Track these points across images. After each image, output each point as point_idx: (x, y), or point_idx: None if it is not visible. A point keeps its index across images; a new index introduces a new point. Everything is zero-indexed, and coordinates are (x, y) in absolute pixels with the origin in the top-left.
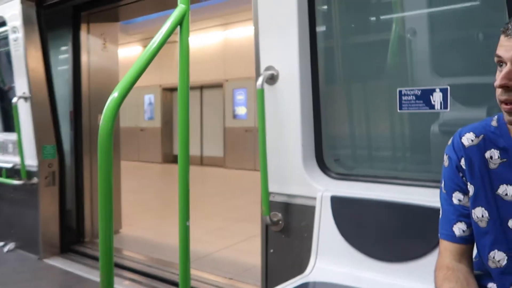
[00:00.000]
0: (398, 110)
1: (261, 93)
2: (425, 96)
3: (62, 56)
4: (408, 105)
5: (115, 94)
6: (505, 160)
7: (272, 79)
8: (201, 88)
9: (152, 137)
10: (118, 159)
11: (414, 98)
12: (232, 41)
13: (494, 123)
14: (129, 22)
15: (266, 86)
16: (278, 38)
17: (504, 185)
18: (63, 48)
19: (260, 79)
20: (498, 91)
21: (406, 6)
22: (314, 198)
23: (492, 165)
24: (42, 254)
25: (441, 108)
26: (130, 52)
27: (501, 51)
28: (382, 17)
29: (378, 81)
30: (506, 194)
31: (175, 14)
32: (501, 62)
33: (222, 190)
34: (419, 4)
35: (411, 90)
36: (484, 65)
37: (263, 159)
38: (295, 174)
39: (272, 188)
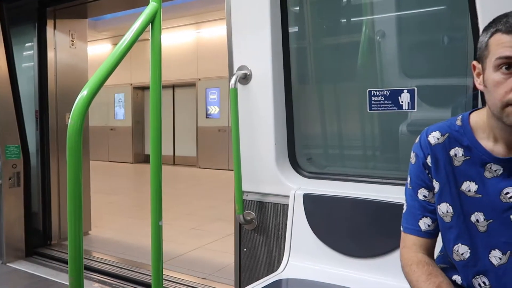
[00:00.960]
0: (368, 110)
1: (234, 92)
2: (393, 97)
3: (27, 53)
4: (378, 106)
5: (84, 93)
6: (468, 157)
7: (245, 79)
8: (173, 87)
9: (122, 137)
10: (87, 159)
11: (383, 98)
12: (205, 40)
13: (458, 122)
14: (98, 19)
15: (239, 86)
16: (251, 38)
17: (467, 181)
18: (28, 44)
19: (233, 79)
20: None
21: (375, 9)
22: (287, 197)
23: (456, 163)
24: (5, 258)
25: (408, 108)
26: (99, 50)
27: (509, 51)
28: (352, 19)
29: (349, 81)
30: (469, 190)
31: (147, 11)
32: (508, 64)
33: (195, 189)
34: (388, 7)
35: (380, 91)
36: (449, 67)
37: (237, 158)
38: (268, 173)
39: (245, 187)
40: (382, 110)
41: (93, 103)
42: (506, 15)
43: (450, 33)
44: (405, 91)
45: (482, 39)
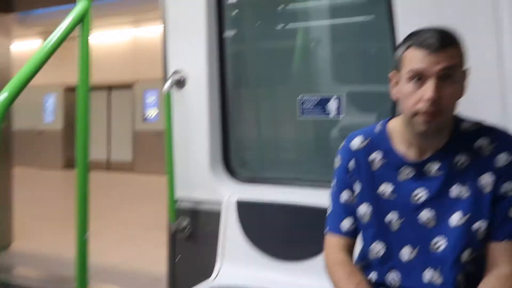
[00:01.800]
0: (299, 117)
1: (168, 97)
2: (322, 104)
3: None
4: (308, 112)
5: (4, 95)
6: (385, 161)
7: (180, 83)
8: (109, 88)
9: (52, 141)
10: (9, 165)
11: (313, 105)
12: (144, 40)
13: (378, 128)
14: (27, 13)
15: (174, 90)
16: (187, 41)
17: (384, 184)
18: None
19: (168, 83)
20: (421, 104)
21: (310, 16)
22: (221, 203)
23: (375, 166)
24: None
25: (336, 114)
26: (29, 46)
27: (423, 65)
28: (287, 26)
29: (284, 87)
30: (385, 192)
31: (76, 10)
32: (420, 77)
33: (131, 196)
34: (322, 15)
35: (310, 97)
36: (377, 74)
37: (170, 165)
38: (202, 179)
39: (179, 194)
40: (312, 116)
41: (18, 105)
42: (420, 31)
43: (378, 42)
44: (333, 98)
45: (398, 52)
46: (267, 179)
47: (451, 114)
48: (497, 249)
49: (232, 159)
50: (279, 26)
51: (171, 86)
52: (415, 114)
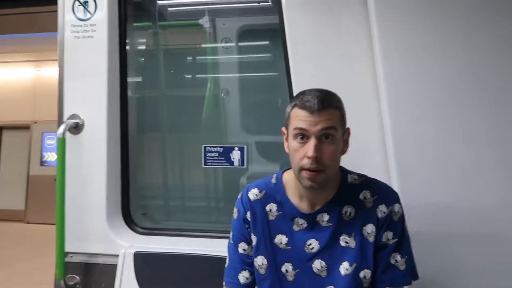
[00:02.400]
0: (203, 166)
1: (62, 142)
2: (226, 153)
3: None
4: (212, 161)
5: None
6: (281, 212)
7: (76, 128)
8: (1, 128)
9: None
10: None
11: (217, 154)
12: (45, 80)
13: (273, 180)
14: None
15: (69, 136)
16: (86, 85)
17: (280, 234)
18: None
19: (62, 128)
20: (305, 160)
21: (218, 68)
22: (118, 256)
23: (271, 217)
24: None
25: (239, 164)
26: None
27: (305, 125)
28: (198, 75)
29: (190, 135)
30: (281, 243)
31: None
32: (303, 135)
33: (18, 249)
34: (232, 69)
35: (214, 147)
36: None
37: (60, 216)
38: (97, 230)
39: (69, 247)
40: (216, 165)
41: None
42: (303, 93)
43: (283, 95)
44: (236, 148)
45: (287, 110)
46: (167, 230)
47: (334, 170)
48: None
49: (131, 209)
50: (187, 75)
51: (65, 130)
52: (301, 169)
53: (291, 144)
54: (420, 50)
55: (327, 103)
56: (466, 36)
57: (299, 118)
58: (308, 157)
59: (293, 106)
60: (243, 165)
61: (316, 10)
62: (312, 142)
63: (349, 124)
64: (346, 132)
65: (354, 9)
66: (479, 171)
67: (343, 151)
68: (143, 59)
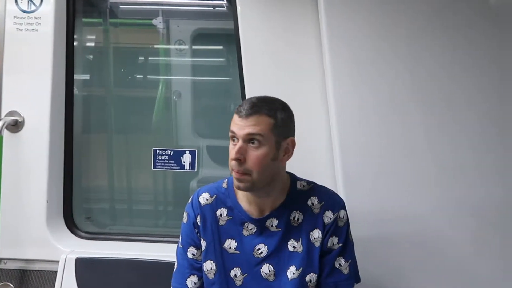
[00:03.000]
0: (152, 168)
1: None
2: (176, 157)
3: None
4: (162, 164)
5: None
6: (231, 217)
7: (15, 126)
8: None
9: None
10: None
11: (167, 158)
12: None
13: (224, 185)
14: None
15: (7, 133)
16: (27, 81)
17: (229, 239)
18: None
19: None
20: (232, 162)
21: (171, 70)
22: (58, 262)
23: (221, 222)
24: None
25: (190, 168)
26: None
27: (235, 128)
28: (149, 76)
29: (140, 136)
30: (230, 248)
31: None
32: (234, 137)
33: None
34: (184, 71)
35: (165, 150)
36: None
37: None
38: (36, 235)
39: (3, 253)
40: (165, 169)
41: None
42: (245, 101)
43: (236, 100)
44: (187, 152)
45: None
46: (112, 234)
47: (262, 175)
48: None
49: (74, 212)
50: (138, 75)
51: (2, 128)
52: (232, 170)
53: (229, 146)
54: (367, 64)
55: (255, 109)
56: (411, 50)
57: (233, 121)
58: (232, 159)
59: (234, 112)
60: (194, 169)
61: (270, 18)
62: (237, 145)
63: (298, 132)
64: (286, 140)
65: (306, 21)
66: (419, 180)
67: (281, 159)
68: (91, 57)
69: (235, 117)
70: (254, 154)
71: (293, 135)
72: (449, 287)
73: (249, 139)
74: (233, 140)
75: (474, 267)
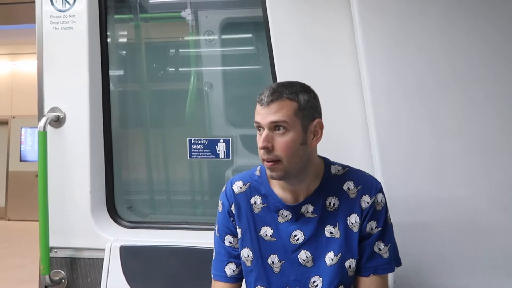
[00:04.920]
0: (188, 158)
1: (43, 136)
2: (211, 146)
3: None
4: (197, 153)
5: None
6: (265, 205)
7: (57, 122)
8: None
9: None
10: None
11: (202, 147)
12: (23, 74)
13: (257, 172)
14: None
15: (50, 129)
16: (66, 77)
17: (265, 227)
18: None
19: (43, 121)
20: (261, 151)
21: (203, 62)
22: (103, 250)
23: (256, 209)
24: None
25: (224, 156)
26: None
27: (259, 118)
28: (181, 68)
29: (175, 128)
30: (266, 235)
31: None
32: (260, 127)
33: (1, 247)
34: (215, 61)
35: (199, 139)
36: None
37: (43, 210)
38: (82, 225)
39: (54, 242)
40: (201, 158)
41: None
42: (265, 89)
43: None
44: (221, 140)
45: None
46: (153, 223)
47: (293, 160)
48: (365, 284)
49: (116, 202)
50: (172, 69)
51: (46, 124)
52: (262, 160)
53: (257, 137)
54: (402, 44)
55: (276, 95)
56: (447, 31)
57: (256, 111)
58: (260, 148)
59: (256, 101)
60: (228, 157)
61: (299, 2)
62: (263, 133)
63: (332, 116)
64: (313, 123)
65: (336, 1)
66: (458, 163)
67: (311, 143)
68: (125, 52)
69: (258, 107)
70: (282, 140)
71: (320, 117)
72: (490, 272)
73: (274, 126)
74: (259, 130)
75: None
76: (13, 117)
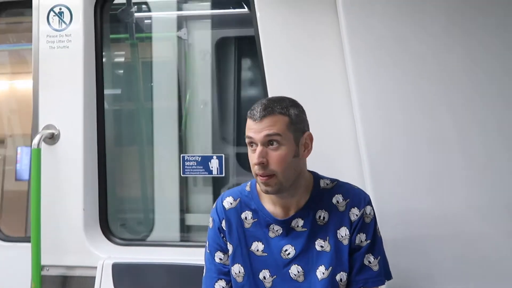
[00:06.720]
0: (182, 175)
1: (37, 153)
2: (204, 163)
3: None
4: (190, 170)
5: None
6: (256, 220)
7: (51, 139)
8: None
9: None
10: None
11: (195, 164)
12: (21, 92)
13: (247, 188)
14: None
15: (44, 146)
16: (61, 95)
17: (256, 242)
18: None
19: (37, 138)
20: (255, 167)
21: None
22: (96, 268)
23: (247, 225)
24: None
25: (217, 173)
26: None
27: (251, 133)
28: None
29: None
30: (257, 250)
31: None
32: (252, 143)
33: None
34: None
35: (192, 156)
36: None
37: (35, 228)
38: (75, 242)
39: (45, 260)
40: (194, 175)
41: None
42: (256, 105)
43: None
44: (214, 157)
45: None
46: (146, 240)
47: (287, 174)
48: None
49: (110, 220)
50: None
51: (40, 141)
52: (256, 175)
53: (248, 152)
54: (391, 52)
55: (268, 110)
56: (437, 37)
57: (248, 126)
58: (255, 164)
59: (247, 117)
60: (221, 173)
61: (289, 16)
62: (257, 149)
63: (321, 127)
64: (304, 135)
65: (324, 13)
66: (448, 177)
67: (302, 155)
68: (119, 71)
69: (249, 122)
70: (276, 154)
71: (309, 129)
72: (481, 285)
73: (268, 141)
74: (251, 146)
75: (508, 265)
76: (10, 136)
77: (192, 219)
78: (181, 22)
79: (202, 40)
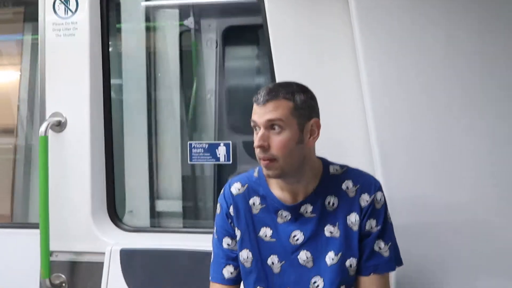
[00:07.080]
0: (189, 162)
1: (44, 140)
2: (211, 150)
3: None
4: (198, 158)
5: None
6: (264, 205)
7: (59, 126)
8: None
9: None
10: None
11: (202, 151)
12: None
13: (255, 174)
14: None
15: (51, 133)
16: (68, 83)
17: (264, 227)
18: None
19: (44, 126)
20: (257, 150)
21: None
22: (104, 254)
23: (255, 211)
24: None
25: (225, 160)
26: None
27: (255, 117)
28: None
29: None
30: (266, 236)
31: None
32: (256, 126)
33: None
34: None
35: (200, 143)
36: None
37: (44, 214)
38: (83, 229)
39: (54, 246)
40: (202, 162)
41: None
42: (262, 89)
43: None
44: (222, 144)
45: None
46: (153, 227)
47: (290, 159)
48: (366, 283)
49: (117, 206)
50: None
51: (47, 128)
52: (259, 158)
53: (254, 136)
54: (402, 43)
55: (272, 94)
56: (448, 29)
57: (253, 110)
58: (255, 147)
59: (253, 101)
60: (229, 160)
61: (297, 5)
62: (259, 133)
63: (332, 117)
64: (310, 122)
65: (335, 5)
66: (458, 166)
67: (307, 142)
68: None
69: (254, 106)
70: (277, 139)
71: (318, 116)
72: (494, 273)
73: (270, 125)
74: (256, 129)
75: None
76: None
77: None
78: (188, 11)
79: (209, 29)
